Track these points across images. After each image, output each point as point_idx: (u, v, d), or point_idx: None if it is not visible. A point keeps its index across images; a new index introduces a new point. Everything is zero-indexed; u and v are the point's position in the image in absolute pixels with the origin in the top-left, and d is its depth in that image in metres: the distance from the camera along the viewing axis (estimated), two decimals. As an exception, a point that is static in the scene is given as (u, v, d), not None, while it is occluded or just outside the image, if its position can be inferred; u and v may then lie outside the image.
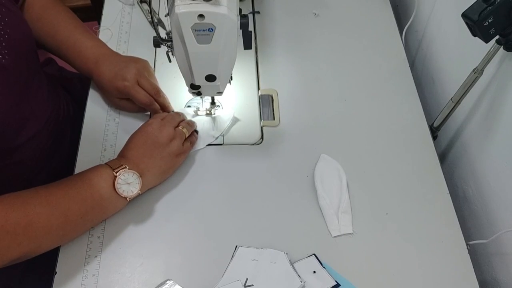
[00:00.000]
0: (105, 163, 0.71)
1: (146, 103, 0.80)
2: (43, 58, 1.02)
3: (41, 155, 0.80)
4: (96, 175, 0.68)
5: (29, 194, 0.63)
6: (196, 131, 0.83)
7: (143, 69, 0.82)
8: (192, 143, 0.80)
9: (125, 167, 0.69)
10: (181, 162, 0.78)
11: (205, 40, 0.66)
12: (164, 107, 0.83)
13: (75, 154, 0.81)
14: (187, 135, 0.78)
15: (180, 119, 0.80)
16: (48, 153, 0.82)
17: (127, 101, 0.83)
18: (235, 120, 0.86)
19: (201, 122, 0.85)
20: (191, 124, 0.81)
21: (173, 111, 0.84)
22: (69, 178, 0.69)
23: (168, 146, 0.74)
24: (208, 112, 0.87)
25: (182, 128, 0.78)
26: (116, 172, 0.68)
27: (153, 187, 0.76)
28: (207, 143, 0.83)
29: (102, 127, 0.84)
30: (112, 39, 0.96)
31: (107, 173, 0.68)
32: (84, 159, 0.80)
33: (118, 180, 0.68)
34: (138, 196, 0.72)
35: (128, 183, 0.69)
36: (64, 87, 0.94)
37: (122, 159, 0.72)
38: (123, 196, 0.69)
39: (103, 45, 0.85)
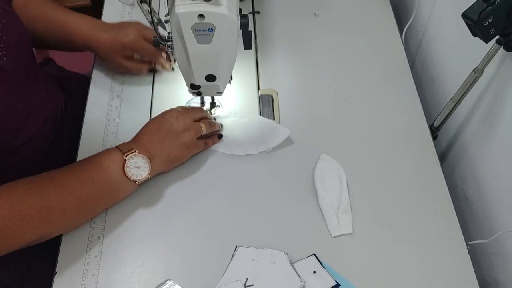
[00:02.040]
0: (116, 146, 0.72)
1: (157, 52, 0.84)
2: (41, 58, 1.02)
3: (41, 155, 0.80)
4: (107, 158, 0.69)
5: (43, 179, 0.66)
6: (220, 135, 0.83)
7: (141, 25, 0.85)
8: (208, 144, 0.80)
9: (135, 151, 0.70)
10: (190, 155, 0.79)
11: (205, 40, 0.66)
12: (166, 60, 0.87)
13: (75, 154, 0.81)
14: (204, 132, 0.78)
15: (201, 115, 0.80)
16: (47, 153, 0.82)
17: (131, 61, 0.86)
18: (288, 141, 0.84)
19: (256, 129, 0.84)
20: (212, 124, 0.81)
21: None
22: (81, 161, 0.71)
23: (181, 136, 0.75)
24: (208, 112, 0.87)
25: (201, 124, 0.78)
26: (126, 156, 0.69)
27: (162, 173, 0.77)
28: (249, 153, 0.82)
29: (102, 127, 0.84)
30: (112, 39, 0.96)
31: (117, 157, 0.70)
32: (84, 159, 0.80)
33: (127, 164, 0.69)
34: (147, 180, 0.73)
35: (138, 167, 0.70)
36: (63, 86, 0.94)
37: (133, 143, 0.73)
38: (133, 179, 0.70)
39: (94, 19, 0.87)
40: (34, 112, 0.76)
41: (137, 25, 0.85)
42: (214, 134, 0.82)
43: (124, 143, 0.73)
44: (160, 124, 0.75)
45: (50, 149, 0.82)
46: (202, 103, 0.86)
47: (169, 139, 0.74)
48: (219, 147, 0.82)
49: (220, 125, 0.84)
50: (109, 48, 0.83)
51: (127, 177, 0.70)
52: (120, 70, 0.88)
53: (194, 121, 0.78)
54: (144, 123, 0.78)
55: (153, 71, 0.91)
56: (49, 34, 0.84)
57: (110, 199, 0.72)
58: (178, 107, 0.79)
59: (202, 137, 0.79)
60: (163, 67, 0.89)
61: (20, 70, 0.71)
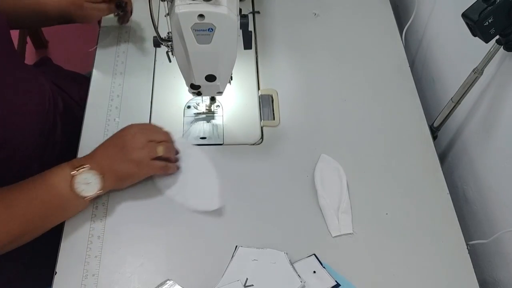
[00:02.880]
0: (69, 162, 0.70)
1: None
2: (38, 57, 1.02)
3: (29, 150, 0.79)
4: (56, 175, 0.68)
5: None
6: (178, 167, 0.78)
7: None
8: (163, 169, 0.76)
9: (86, 167, 0.69)
10: (143, 175, 0.75)
11: (205, 40, 0.66)
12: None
13: (69, 148, 0.80)
14: (159, 154, 0.74)
15: (162, 138, 0.76)
16: (36, 145, 0.81)
17: (99, 4, 0.89)
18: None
19: (198, 181, 0.79)
20: (171, 149, 0.77)
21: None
22: (31, 179, 0.69)
23: (132, 153, 0.72)
24: (207, 109, 0.87)
25: (158, 146, 0.74)
26: (77, 171, 0.68)
27: (116, 189, 0.75)
28: (177, 200, 0.76)
29: (102, 127, 0.84)
30: (112, 39, 0.96)
31: (66, 173, 0.68)
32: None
33: (76, 179, 0.68)
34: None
35: (88, 183, 0.69)
36: (59, 86, 0.93)
37: (89, 157, 0.72)
38: (82, 195, 0.69)
39: None
40: (17, 106, 0.76)
41: None
42: (174, 164, 0.78)
43: (80, 157, 0.73)
44: (116, 140, 0.73)
45: (39, 144, 0.81)
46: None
47: (119, 155, 0.72)
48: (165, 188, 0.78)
49: (176, 152, 0.80)
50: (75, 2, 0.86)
51: (76, 193, 0.68)
52: (95, 16, 0.91)
53: (155, 141, 0.74)
54: (144, 123, 0.78)
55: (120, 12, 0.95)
56: (27, 12, 0.85)
57: (59, 217, 0.71)
58: (143, 124, 0.78)
59: (164, 160, 0.75)
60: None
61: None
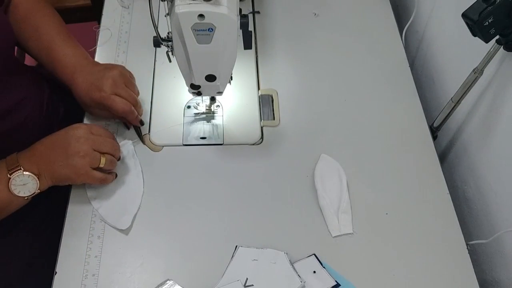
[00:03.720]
0: (7, 159, 0.68)
1: (125, 111, 0.77)
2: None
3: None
4: None
5: None
6: (116, 175, 0.77)
7: (119, 77, 0.78)
8: (101, 180, 0.74)
9: (20, 169, 0.67)
10: (80, 182, 0.72)
11: (205, 40, 0.66)
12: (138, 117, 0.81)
13: None
14: (100, 165, 0.71)
15: (107, 149, 0.73)
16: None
17: (106, 111, 0.80)
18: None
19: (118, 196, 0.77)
20: (113, 161, 0.75)
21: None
22: None
23: (73, 159, 0.69)
24: (207, 109, 0.87)
25: (101, 157, 0.71)
26: (10, 174, 0.66)
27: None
28: (112, 224, 0.74)
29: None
30: (112, 39, 0.96)
31: (2, 174, 0.67)
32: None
33: (12, 182, 0.67)
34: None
35: (24, 184, 0.68)
36: (60, 86, 0.93)
37: (24, 156, 0.69)
38: (20, 196, 0.68)
39: (82, 53, 0.82)
40: (15, 109, 0.76)
41: (114, 73, 0.78)
42: (113, 173, 0.76)
43: (14, 155, 0.69)
44: (59, 140, 0.70)
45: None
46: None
47: (60, 158, 0.69)
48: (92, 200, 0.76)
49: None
50: (83, 98, 0.79)
51: (14, 194, 0.67)
52: (94, 116, 0.84)
53: (99, 151, 0.72)
54: (93, 126, 0.76)
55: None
56: (41, 59, 0.82)
57: (1, 215, 0.69)
58: (92, 126, 0.74)
59: (101, 170, 0.73)
60: (131, 123, 0.84)
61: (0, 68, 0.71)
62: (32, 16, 0.82)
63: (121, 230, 0.73)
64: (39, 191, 0.69)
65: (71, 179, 0.72)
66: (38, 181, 0.68)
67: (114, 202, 0.76)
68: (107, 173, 0.75)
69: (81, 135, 0.71)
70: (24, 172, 0.67)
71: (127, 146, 0.81)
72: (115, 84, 0.77)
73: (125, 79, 0.79)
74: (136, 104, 0.79)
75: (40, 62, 0.84)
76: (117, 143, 0.77)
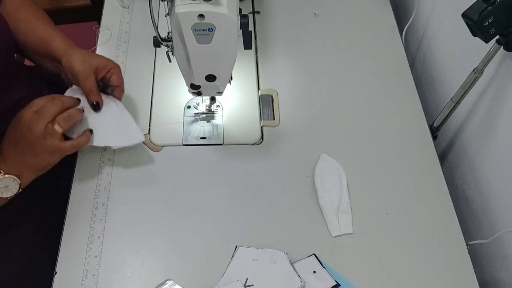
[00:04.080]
0: None
1: (121, 84, 0.79)
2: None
3: None
4: None
5: None
6: (91, 130, 0.75)
7: (105, 65, 0.78)
8: (79, 144, 0.73)
9: (0, 172, 0.68)
10: (59, 159, 0.72)
11: (205, 40, 0.66)
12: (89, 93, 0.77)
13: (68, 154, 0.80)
14: (59, 131, 0.69)
15: (55, 111, 0.70)
16: None
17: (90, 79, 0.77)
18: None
19: (112, 120, 0.77)
20: (70, 117, 0.71)
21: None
22: None
23: (38, 146, 0.68)
24: (207, 109, 0.87)
25: (54, 125, 0.69)
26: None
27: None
28: (128, 144, 0.76)
29: (102, 127, 0.84)
30: (112, 39, 0.96)
31: None
32: (84, 159, 0.80)
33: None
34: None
35: (6, 186, 0.68)
36: (58, 87, 0.93)
37: (1, 162, 0.69)
38: (4, 197, 0.68)
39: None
40: (15, 109, 0.76)
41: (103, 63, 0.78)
42: (86, 131, 0.74)
43: None
44: (17, 135, 0.69)
45: None
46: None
47: (30, 152, 0.68)
48: (93, 141, 0.75)
49: (78, 101, 0.75)
50: (80, 59, 0.77)
51: None
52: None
53: (50, 122, 0.69)
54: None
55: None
56: (36, 50, 0.82)
57: None
58: (33, 105, 0.70)
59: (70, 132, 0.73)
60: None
61: (1, 68, 0.71)
62: (23, 18, 0.82)
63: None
64: (21, 188, 0.70)
65: (50, 162, 0.71)
66: (19, 181, 0.69)
67: (111, 128, 0.76)
68: (80, 136, 0.73)
69: (27, 120, 0.68)
70: (5, 175, 0.68)
71: (73, 90, 0.78)
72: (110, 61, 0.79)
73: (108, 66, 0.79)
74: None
75: (35, 55, 0.83)
76: (62, 95, 0.75)
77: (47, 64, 0.83)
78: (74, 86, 0.78)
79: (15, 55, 0.84)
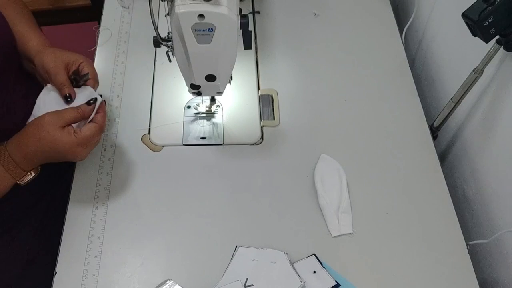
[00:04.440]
0: (3, 166, 0.68)
1: (95, 76, 0.77)
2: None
3: None
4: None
5: None
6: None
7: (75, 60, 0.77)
8: (101, 127, 0.73)
9: (27, 175, 0.70)
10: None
11: (205, 40, 0.66)
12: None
13: None
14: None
15: (76, 116, 0.72)
16: None
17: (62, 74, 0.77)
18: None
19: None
20: (82, 115, 0.73)
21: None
22: None
23: (67, 157, 0.71)
24: (208, 109, 0.87)
25: (85, 130, 0.71)
26: (20, 181, 0.70)
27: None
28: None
29: (102, 127, 0.84)
30: (112, 39, 0.96)
31: (9, 182, 0.69)
32: (84, 159, 0.80)
33: (22, 184, 0.70)
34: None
35: (26, 182, 0.71)
36: None
37: (25, 162, 0.69)
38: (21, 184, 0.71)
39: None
40: (12, 106, 0.76)
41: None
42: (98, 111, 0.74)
43: (10, 161, 0.69)
44: (50, 149, 0.69)
45: None
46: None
47: (57, 157, 0.70)
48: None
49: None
50: (50, 53, 0.77)
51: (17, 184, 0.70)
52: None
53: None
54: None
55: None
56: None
57: None
58: (60, 118, 0.70)
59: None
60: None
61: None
62: (7, 15, 0.81)
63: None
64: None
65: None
66: (38, 172, 0.72)
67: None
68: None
69: (67, 142, 0.69)
70: (33, 172, 0.71)
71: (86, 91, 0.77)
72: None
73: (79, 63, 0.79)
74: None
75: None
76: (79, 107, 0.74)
77: (25, 64, 0.83)
78: (48, 85, 0.77)
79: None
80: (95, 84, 0.79)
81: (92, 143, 0.72)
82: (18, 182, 0.70)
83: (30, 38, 0.80)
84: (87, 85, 0.76)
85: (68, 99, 0.75)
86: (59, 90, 0.76)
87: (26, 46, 0.80)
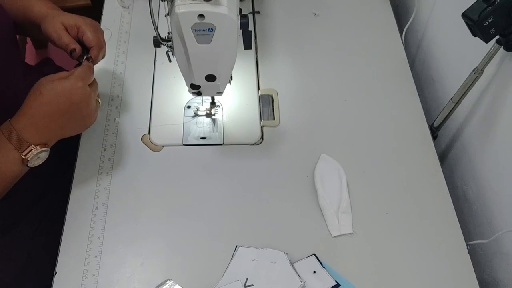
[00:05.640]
0: (6, 138, 0.65)
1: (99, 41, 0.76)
2: (41, 58, 1.02)
3: None
4: (4, 163, 0.65)
5: None
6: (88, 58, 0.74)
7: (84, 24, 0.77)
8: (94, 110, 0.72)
9: (32, 149, 0.65)
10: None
11: (205, 40, 0.66)
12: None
13: (68, 153, 0.80)
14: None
15: (91, 78, 0.71)
16: None
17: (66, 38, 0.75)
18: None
19: None
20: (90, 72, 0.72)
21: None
22: None
23: (90, 119, 0.71)
24: (208, 112, 0.87)
25: (99, 99, 0.73)
26: (25, 155, 0.65)
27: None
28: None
29: (102, 127, 0.84)
30: (112, 39, 0.96)
31: (15, 158, 0.65)
32: (84, 159, 0.80)
33: (30, 161, 0.66)
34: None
35: (39, 157, 0.67)
36: None
37: (28, 130, 0.66)
38: (34, 166, 0.67)
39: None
40: (16, 100, 0.76)
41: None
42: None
43: (14, 131, 0.65)
44: (63, 106, 0.67)
45: None
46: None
47: (74, 124, 0.69)
48: None
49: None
50: (54, 16, 0.76)
51: (28, 166, 0.67)
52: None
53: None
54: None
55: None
56: (17, 19, 0.80)
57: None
58: (78, 77, 0.68)
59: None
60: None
61: (1, 56, 0.71)
62: None
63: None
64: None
65: (79, 132, 0.73)
66: (49, 149, 0.68)
67: None
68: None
69: (84, 94, 0.68)
70: (39, 149, 0.66)
71: None
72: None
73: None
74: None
75: (26, 27, 0.81)
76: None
77: (34, 33, 0.81)
78: None
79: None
80: (99, 54, 0.75)
81: (89, 77, 0.69)
82: (24, 157, 0.65)
83: (32, 6, 0.79)
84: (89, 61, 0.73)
85: (72, 52, 0.73)
86: (65, 51, 0.74)
87: (30, 16, 0.78)
